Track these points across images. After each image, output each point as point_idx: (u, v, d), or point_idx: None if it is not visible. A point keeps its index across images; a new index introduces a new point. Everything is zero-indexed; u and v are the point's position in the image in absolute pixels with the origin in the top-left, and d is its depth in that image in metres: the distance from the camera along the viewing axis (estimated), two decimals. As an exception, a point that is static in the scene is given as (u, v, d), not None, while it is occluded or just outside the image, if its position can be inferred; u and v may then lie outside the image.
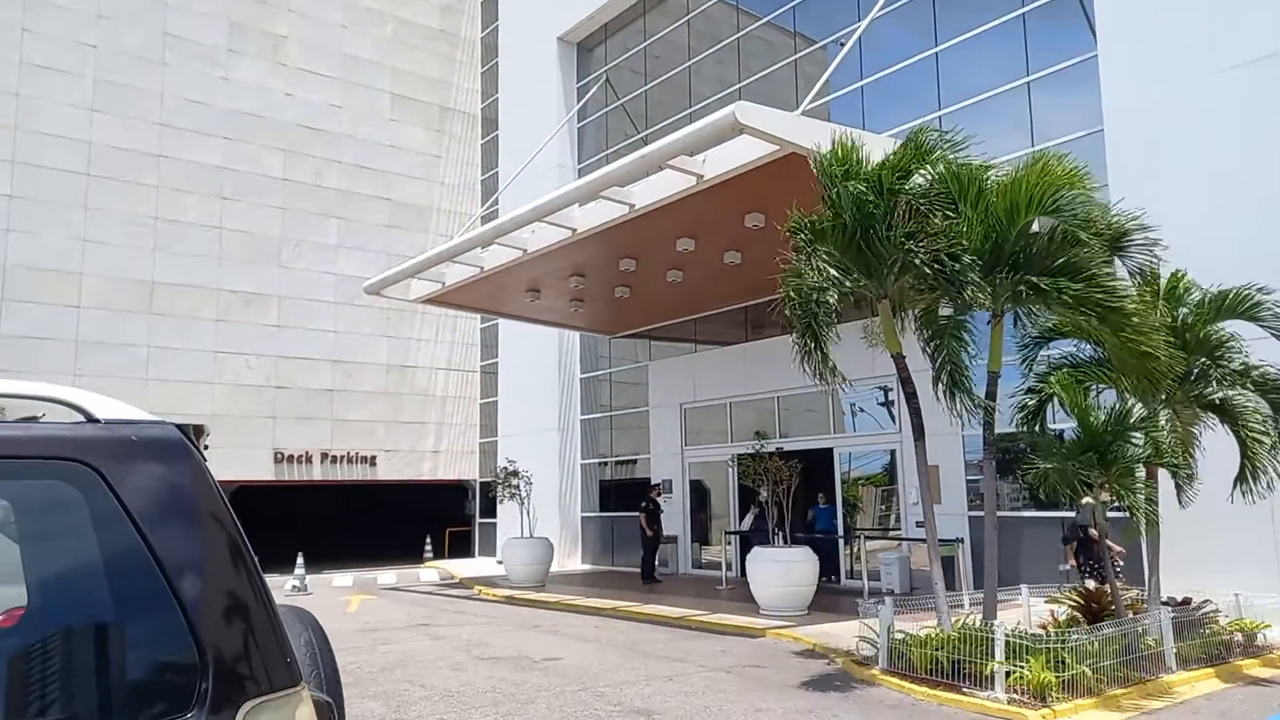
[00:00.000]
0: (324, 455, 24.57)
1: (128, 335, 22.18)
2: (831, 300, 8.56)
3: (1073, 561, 11.34)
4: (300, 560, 18.52)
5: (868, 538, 16.35)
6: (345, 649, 11.12)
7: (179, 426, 2.19)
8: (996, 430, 13.22)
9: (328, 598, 17.41)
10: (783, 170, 11.75)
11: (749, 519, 17.72)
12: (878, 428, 16.82)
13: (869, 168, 8.96)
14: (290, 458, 24.00)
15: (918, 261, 8.11)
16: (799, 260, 8.67)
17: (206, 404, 22.98)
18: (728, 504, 19.49)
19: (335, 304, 25.29)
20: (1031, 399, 9.50)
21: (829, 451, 17.43)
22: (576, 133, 24.14)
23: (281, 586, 18.57)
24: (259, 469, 23.66)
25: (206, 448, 2.40)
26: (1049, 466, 8.66)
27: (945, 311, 9.57)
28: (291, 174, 25.07)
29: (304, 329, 24.77)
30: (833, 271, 8.63)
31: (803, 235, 8.71)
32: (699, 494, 20.85)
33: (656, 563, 18.67)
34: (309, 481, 24.64)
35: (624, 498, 22.42)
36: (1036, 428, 9.54)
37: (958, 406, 8.94)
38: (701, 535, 20.55)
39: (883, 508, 17.03)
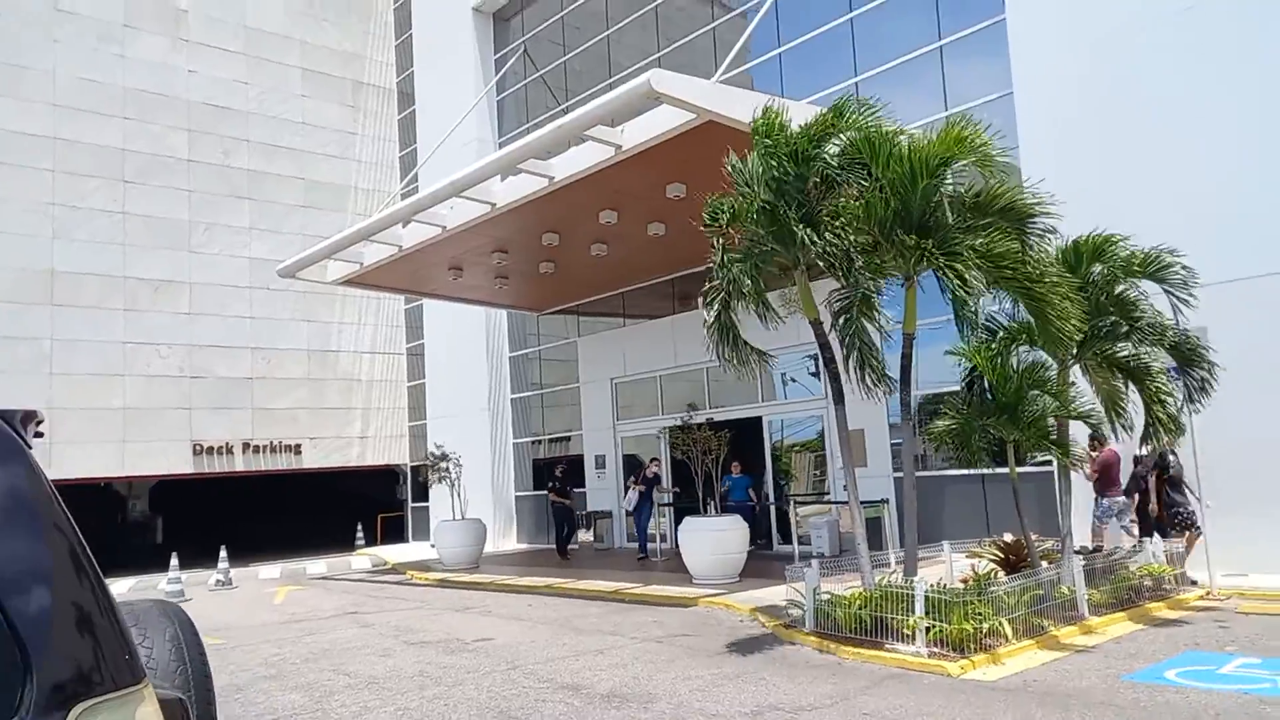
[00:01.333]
0: (246, 445, 23.87)
1: (29, 328, 21.11)
2: (746, 289, 8.57)
3: (1154, 508, 10.92)
4: (223, 554, 17.97)
5: (798, 503, 16.56)
6: (269, 641, 10.83)
7: (3, 415, 1.99)
8: (928, 391, 13.56)
9: (254, 590, 16.96)
10: (702, 139, 11.66)
11: (631, 496, 17.45)
12: (808, 394, 16.99)
13: (788, 134, 8.94)
14: (210, 449, 23.24)
15: (812, 241, 8.15)
16: (718, 251, 8.66)
17: (118, 397, 22.08)
18: (661, 477, 19.52)
19: (251, 289, 24.48)
20: (960, 363, 9.66)
21: (758, 420, 17.58)
22: (496, 106, 23.69)
23: (205, 582, 18.04)
24: (177, 463, 22.88)
25: (40, 435, 2.21)
26: (948, 425, 8.84)
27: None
28: (198, 155, 24.10)
29: (219, 316, 23.92)
30: (739, 269, 8.65)
31: (720, 222, 8.67)
32: (633, 467, 20.85)
33: (566, 535, 18.71)
34: (231, 473, 23.92)
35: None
36: (971, 389, 9.69)
37: (866, 381, 9.03)
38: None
39: (816, 473, 17.25)
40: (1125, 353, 9.40)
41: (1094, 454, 11.05)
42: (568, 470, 19.83)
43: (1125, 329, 9.49)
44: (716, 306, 8.80)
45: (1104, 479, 11.08)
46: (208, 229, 24.08)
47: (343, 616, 12.57)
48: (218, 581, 17.54)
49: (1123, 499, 11.10)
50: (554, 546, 19.08)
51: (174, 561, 16.48)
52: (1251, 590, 9.83)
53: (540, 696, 7.20)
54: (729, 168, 8.75)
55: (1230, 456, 10.36)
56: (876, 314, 8.85)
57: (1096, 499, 11.17)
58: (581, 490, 21.09)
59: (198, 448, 23.12)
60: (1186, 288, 9.40)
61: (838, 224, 8.20)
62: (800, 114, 9.83)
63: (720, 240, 8.68)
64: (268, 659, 9.67)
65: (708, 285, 8.96)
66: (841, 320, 8.86)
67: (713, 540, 12.87)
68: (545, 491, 18.99)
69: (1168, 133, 11.61)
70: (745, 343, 9.09)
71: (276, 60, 25.87)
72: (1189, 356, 9.48)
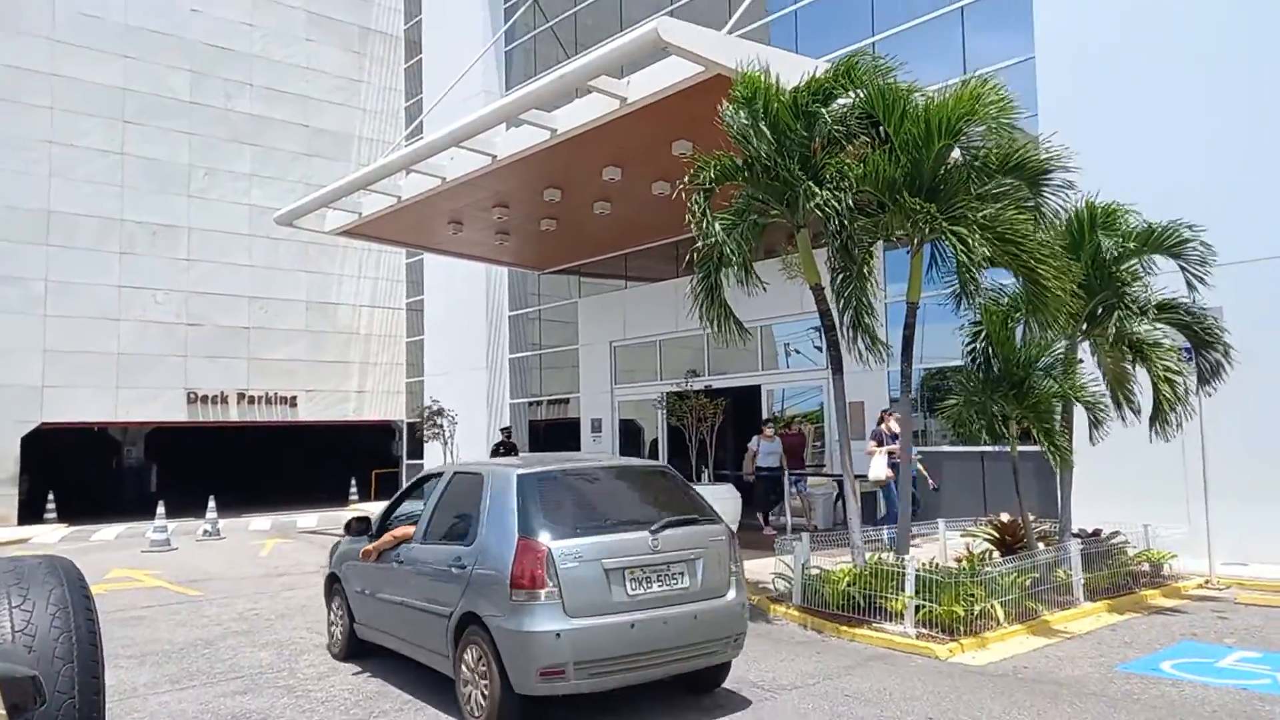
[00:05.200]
0: (241, 396, 23.70)
1: (22, 268, 20.85)
2: (731, 251, 8.20)
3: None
4: (211, 504, 17.84)
5: (795, 474, 16.31)
6: (247, 594, 10.66)
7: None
8: (932, 365, 13.23)
9: (241, 542, 16.83)
10: (711, 94, 11.11)
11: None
12: (810, 364, 16.67)
13: (795, 86, 8.53)
14: (205, 398, 23.08)
15: (811, 194, 7.78)
16: (698, 209, 8.27)
17: (112, 342, 21.88)
18: (659, 443, 19.31)
19: (251, 237, 24.16)
20: (976, 334, 9.31)
21: (757, 389, 17.29)
22: (504, 57, 23.15)
23: (194, 532, 17.94)
24: (171, 410, 22.73)
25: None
26: (959, 402, 8.52)
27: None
28: (200, 97, 23.65)
29: (217, 263, 23.64)
30: (725, 233, 8.29)
31: (706, 178, 8.29)
32: (629, 433, 20.65)
33: None
34: (225, 423, 23.79)
35: (555, 437, 22.12)
36: (975, 362, 9.35)
37: (859, 344, 8.66)
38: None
39: (816, 444, 16.97)
40: (1136, 330, 9.02)
41: None
42: (508, 430, 20.23)
43: (1133, 306, 9.12)
44: (702, 271, 8.49)
45: None
46: (208, 174, 23.71)
47: (325, 571, 12.38)
48: (205, 532, 17.43)
49: None
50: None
51: (160, 510, 16.34)
52: (1252, 580, 9.57)
53: (513, 662, 6.97)
54: (724, 118, 8.32)
55: (1236, 443, 10.05)
56: (873, 278, 8.47)
57: None
58: (576, 453, 20.92)
59: (192, 396, 22.96)
60: (1204, 264, 9.02)
61: (844, 183, 7.81)
62: (807, 69, 9.40)
63: (703, 200, 8.29)
64: (242, 613, 9.49)
65: (694, 248, 8.62)
66: (839, 279, 8.48)
67: (704, 508, 12.60)
68: (493, 457, 19.05)
69: (1192, 106, 11.14)
70: (730, 311, 8.77)
71: (281, 1, 25.28)
72: (1203, 337, 9.13)
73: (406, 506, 7.13)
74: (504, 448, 19.22)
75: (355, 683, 6.59)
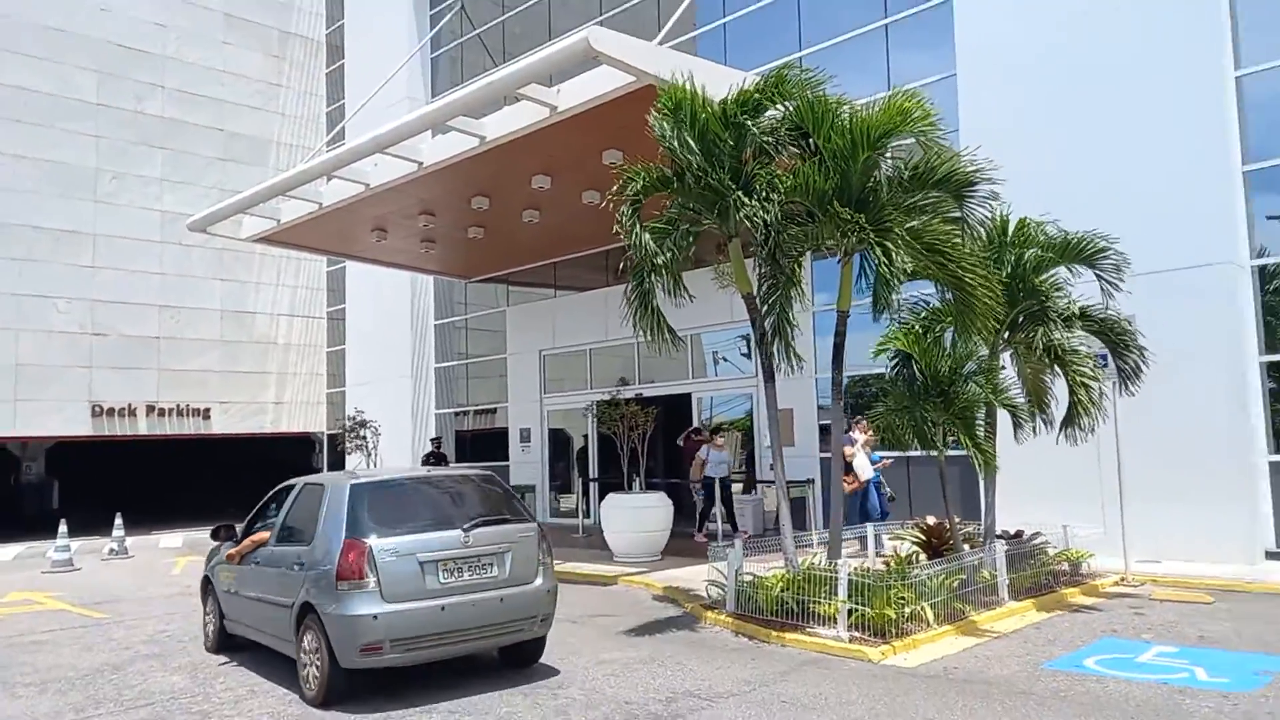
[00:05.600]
0: (150, 408, 22.70)
1: (-91, 273, 19.61)
2: (662, 261, 8.22)
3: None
4: (118, 521, 16.98)
5: (690, 483, 16.36)
6: (158, 616, 10.16)
7: None
8: (859, 372, 13.42)
9: (151, 560, 16.07)
10: (641, 103, 11.05)
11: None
12: (738, 372, 16.77)
13: (724, 98, 8.59)
14: (111, 411, 22.03)
15: (741, 204, 7.84)
16: (628, 220, 8.25)
17: (9, 353, 20.72)
18: (588, 452, 19.17)
19: (163, 244, 23.23)
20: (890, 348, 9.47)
21: (688, 397, 17.33)
22: (429, 64, 22.80)
23: (98, 551, 17.06)
24: (74, 424, 21.64)
25: None
26: (888, 409, 8.67)
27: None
28: (108, 99, 22.67)
29: (126, 270, 22.64)
30: (654, 243, 8.31)
31: (635, 189, 8.28)
32: (558, 442, 20.46)
33: None
34: (134, 436, 22.74)
35: (482, 447, 21.78)
36: (899, 373, 9.51)
37: (775, 353, 8.73)
38: (563, 485, 20.18)
39: (744, 452, 17.07)
40: (1055, 337, 9.31)
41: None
42: (438, 441, 20.04)
43: (1055, 315, 9.41)
44: (635, 280, 8.50)
45: None
46: (116, 178, 22.71)
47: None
48: (111, 550, 16.59)
49: None
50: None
51: (62, 528, 15.48)
52: (1165, 577, 9.94)
53: (444, 679, 6.78)
54: (653, 128, 8.32)
55: (1148, 445, 10.46)
56: (800, 287, 8.54)
57: None
58: (505, 464, 20.65)
59: (97, 409, 21.89)
60: (1118, 272, 9.36)
61: (773, 194, 7.87)
62: (736, 82, 9.46)
63: (630, 211, 8.28)
64: (153, 635, 9.02)
65: (625, 258, 8.62)
66: (766, 287, 8.53)
67: (635, 518, 12.56)
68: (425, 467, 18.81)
69: (1106, 123, 11.62)
70: (663, 319, 8.79)
71: (197, 3, 24.45)
72: (1118, 342, 9.47)
73: (275, 515, 7.69)
74: (434, 458, 18.85)
75: (274, 706, 6.29)
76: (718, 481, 14.11)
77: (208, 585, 8.31)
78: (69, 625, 9.81)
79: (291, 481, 7.76)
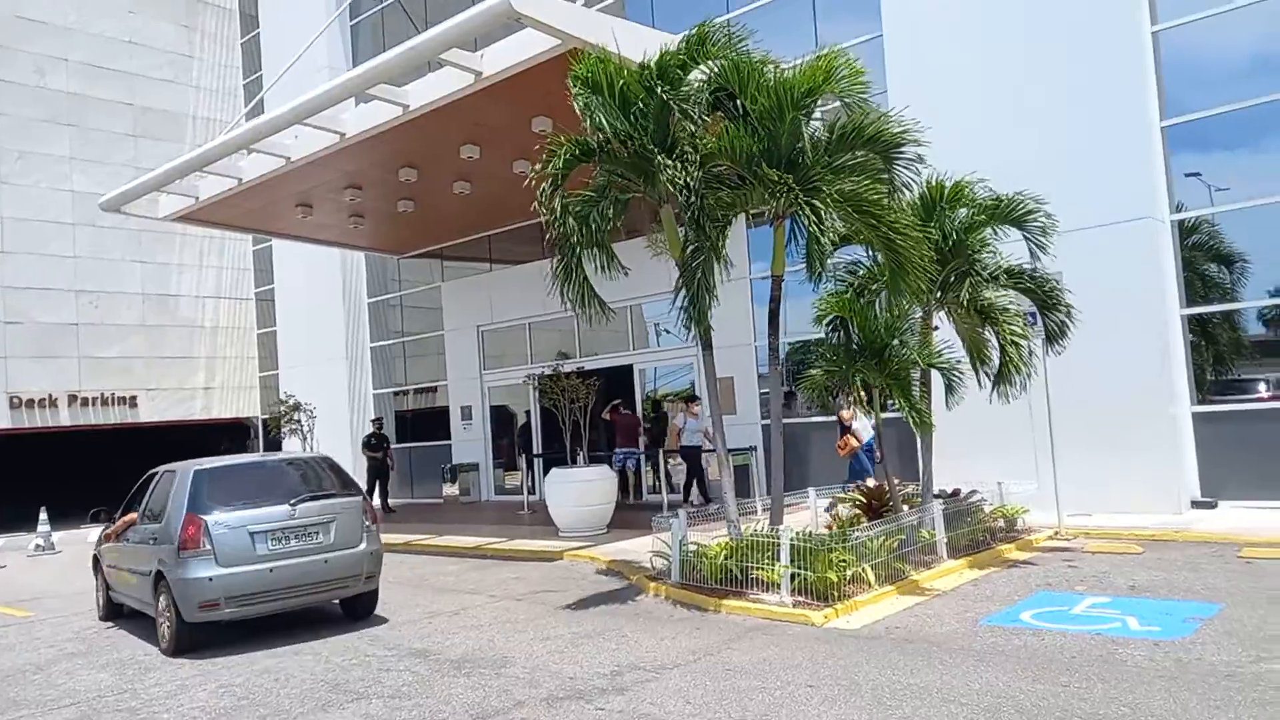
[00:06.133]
0: (72, 398, 21.82)
1: None
2: (584, 237, 8.08)
3: None
4: (43, 516, 16.33)
5: (667, 452, 16.38)
6: (85, 612, 9.79)
7: None
8: (801, 338, 13.43)
9: (79, 555, 15.40)
10: (569, 70, 10.95)
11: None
12: (679, 342, 16.68)
13: (642, 61, 8.41)
14: (30, 402, 21.13)
15: (664, 167, 7.71)
16: (548, 198, 8.07)
17: (-86, 344, 19.65)
18: (531, 428, 18.98)
19: (74, 225, 22.19)
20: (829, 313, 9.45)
21: (629, 369, 17.22)
22: (350, 32, 22.04)
23: (24, 548, 16.39)
24: (-9, 417, 20.67)
25: None
26: (821, 373, 8.66)
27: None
28: (8, 74, 21.44)
29: (37, 254, 21.60)
30: (576, 216, 8.17)
31: (556, 165, 8.09)
32: (501, 419, 20.21)
33: (379, 496, 18.34)
34: (57, 428, 21.84)
35: (424, 427, 21.43)
36: (834, 337, 9.51)
37: (692, 324, 8.61)
38: (507, 462, 19.96)
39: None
40: (985, 296, 9.39)
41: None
42: (379, 422, 19.55)
43: (984, 273, 9.49)
44: (560, 254, 8.36)
45: None
46: (21, 157, 21.57)
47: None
48: (38, 546, 15.98)
49: None
50: (422, 499, 18.49)
51: (-19, 527, 14.83)
52: (1097, 530, 10.20)
53: (384, 665, 6.62)
54: (573, 96, 8.12)
55: (1077, 400, 10.68)
56: (725, 254, 8.43)
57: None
58: (447, 443, 20.36)
59: (15, 400, 20.96)
60: (1045, 234, 9.46)
61: (692, 155, 7.74)
62: (663, 43, 9.27)
63: (549, 187, 8.11)
64: (80, 632, 8.67)
65: (549, 232, 8.47)
66: (689, 251, 8.39)
67: (579, 492, 12.46)
68: (364, 449, 18.51)
69: (1028, 81, 11.70)
70: (592, 290, 8.67)
71: (98, -30, 23.21)
72: (1046, 300, 9.59)
73: (140, 499, 8.72)
74: (375, 439, 18.46)
75: (206, 700, 6.06)
76: (699, 450, 14.02)
77: (97, 563, 9.62)
78: (-13, 628, 9.38)
79: (155, 469, 8.79)
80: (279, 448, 22.90)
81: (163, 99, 24.15)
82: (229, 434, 26.14)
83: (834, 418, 12.64)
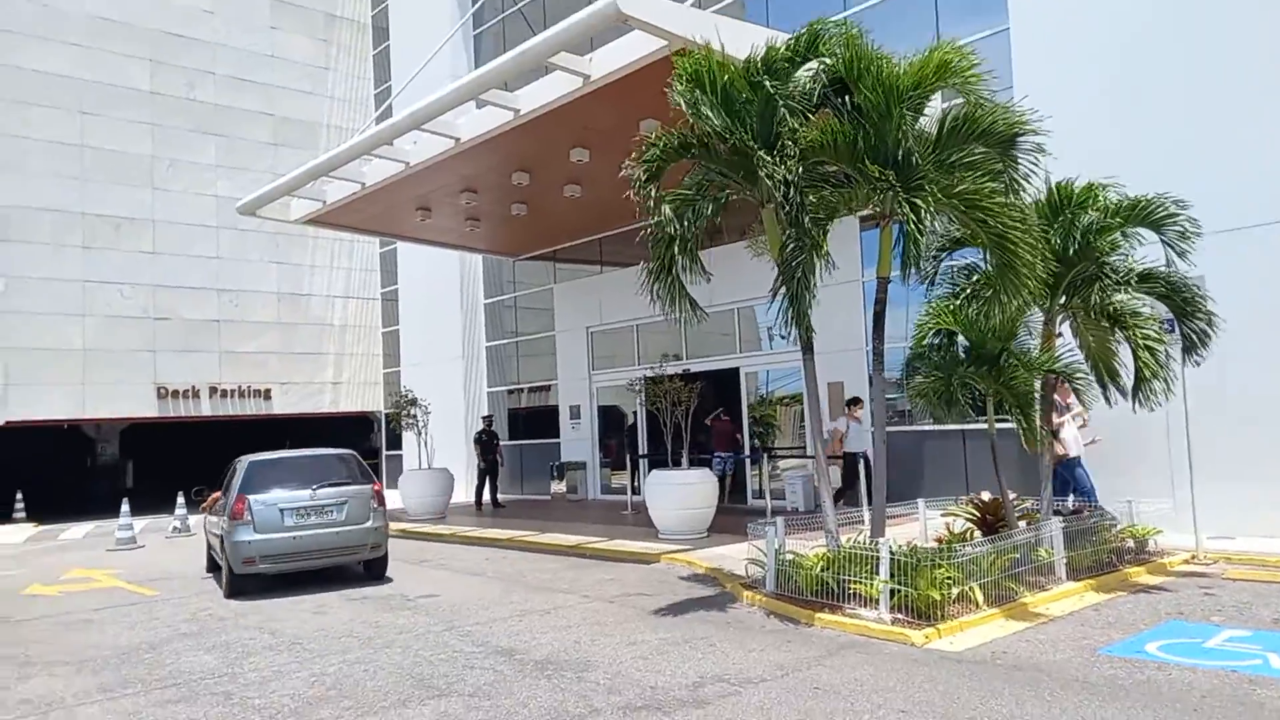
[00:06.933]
0: (213, 389, 23.23)
1: (-21, 265, 20.28)
2: (676, 232, 7.91)
3: None
4: (180, 501, 17.41)
5: (775, 456, 16.05)
6: (206, 593, 10.33)
7: None
8: (913, 345, 12.83)
9: (211, 539, 16.42)
10: (672, 68, 10.85)
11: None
12: (788, 346, 16.32)
13: (748, 57, 8.21)
14: (175, 393, 22.60)
15: (762, 163, 7.45)
16: (641, 188, 7.95)
17: (77, 338, 21.37)
18: (638, 428, 18.98)
19: (218, 228, 23.63)
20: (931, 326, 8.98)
21: (736, 371, 16.97)
22: (473, 42, 22.64)
23: (164, 529, 17.53)
24: (141, 405, 22.25)
25: None
26: (926, 381, 8.19)
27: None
28: (160, 87, 23.06)
29: (184, 256, 23.12)
30: (674, 212, 8.01)
31: (652, 155, 7.97)
32: (610, 419, 20.30)
33: (489, 491, 18.71)
34: (198, 417, 23.32)
35: (535, 425, 21.76)
36: (946, 343, 9.02)
37: (790, 325, 8.27)
38: (615, 461, 20.03)
39: (801, 426, 16.69)
40: (1115, 299, 8.70)
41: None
42: (490, 419, 19.86)
43: (1113, 276, 8.79)
44: (656, 252, 8.25)
45: None
46: (171, 165, 23.15)
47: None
48: (175, 529, 17.02)
49: None
50: (532, 496, 18.78)
51: (125, 507, 15.91)
52: (1239, 555, 9.32)
53: (469, 662, 6.66)
54: (675, 92, 7.98)
55: (1220, 415, 9.80)
56: (827, 254, 8.05)
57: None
58: (556, 441, 20.61)
59: (162, 391, 22.47)
60: (1185, 239, 8.67)
61: (791, 150, 7.47)
62: (769, 38, 9.03)
63: (643, 178, 7.98)
64: (195, 613, 9.13)
65: (645, 228, 8.37)
66: (790, 249, 8.07)
67: (679, 494, 12.32)
68: (476, 445, 18.84)
69: (1168, 74, 10.83)
70: (684, 288, 8.52)
71: (242, -12, 24.67)
72: (1184, 306, 8.81)
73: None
74: (486, 435, 18.81)
75: (297, 688, 6.23)
76: (858, 457, 13.09)
77: (206, 531, 12.01)
78: (118, 603, 10.01)
79: (234, 460, 11.05)
80: (400, 442, 23.75)
81: (300, 109, 25.46)
82: (354, 427, 27.31)
83: (949, 426, 12.00)
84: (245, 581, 9.94)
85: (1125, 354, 9.12)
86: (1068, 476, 10.53)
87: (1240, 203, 10.09)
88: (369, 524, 10.30)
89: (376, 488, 10.63)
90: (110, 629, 8.56)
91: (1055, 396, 9.95)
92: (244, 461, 10.55)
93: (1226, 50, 10.48)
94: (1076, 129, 10.44)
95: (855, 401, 13.79)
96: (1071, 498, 10.25)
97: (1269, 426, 9.97)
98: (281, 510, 9.89)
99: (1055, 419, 10.20)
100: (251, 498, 9.86)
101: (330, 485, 10.23)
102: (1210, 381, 9.42)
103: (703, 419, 16.01)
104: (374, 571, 10.78)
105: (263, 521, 9.78)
